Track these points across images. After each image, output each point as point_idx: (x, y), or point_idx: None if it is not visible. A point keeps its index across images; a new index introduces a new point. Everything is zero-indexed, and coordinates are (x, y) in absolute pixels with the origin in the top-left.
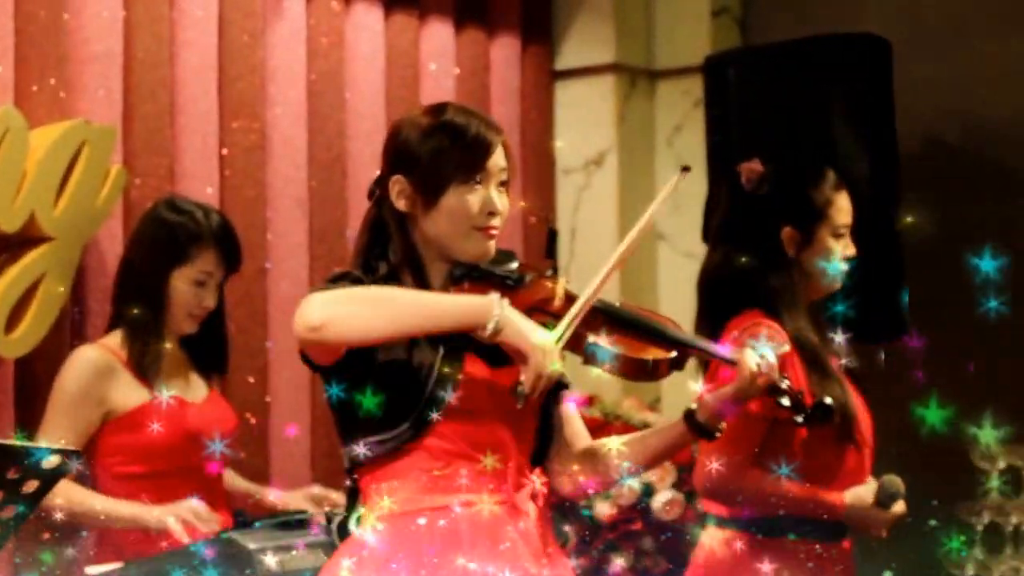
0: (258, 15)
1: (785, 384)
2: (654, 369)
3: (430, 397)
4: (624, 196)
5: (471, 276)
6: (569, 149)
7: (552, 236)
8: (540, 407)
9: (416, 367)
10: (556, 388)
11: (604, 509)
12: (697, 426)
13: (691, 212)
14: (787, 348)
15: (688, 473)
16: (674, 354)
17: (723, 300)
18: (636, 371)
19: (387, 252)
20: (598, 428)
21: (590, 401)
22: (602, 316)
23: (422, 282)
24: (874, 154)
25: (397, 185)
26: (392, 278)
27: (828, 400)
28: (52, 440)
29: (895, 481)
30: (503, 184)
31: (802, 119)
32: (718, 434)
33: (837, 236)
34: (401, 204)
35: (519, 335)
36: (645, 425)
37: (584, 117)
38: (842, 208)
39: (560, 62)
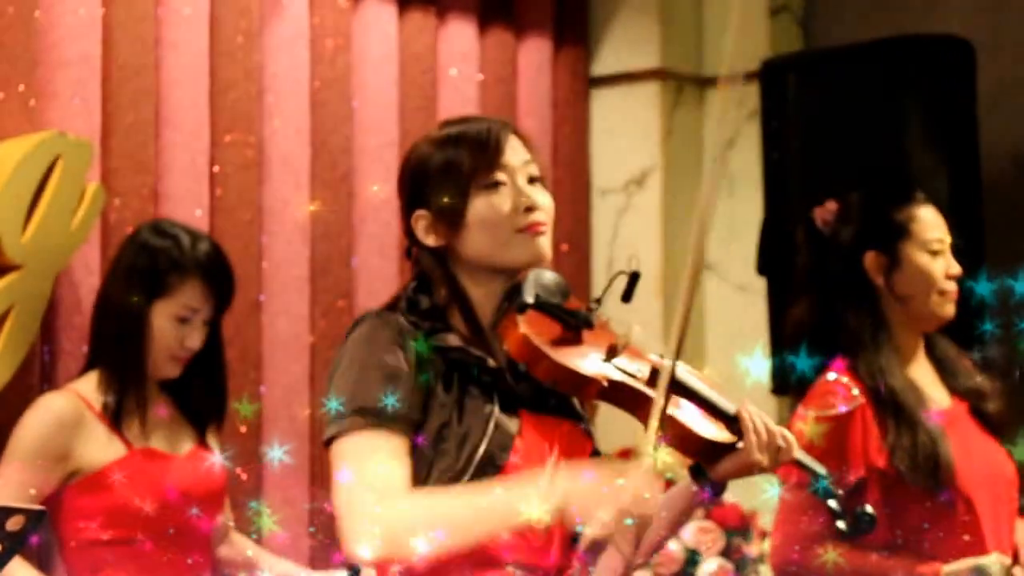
0: (254, 14)
1: (829, 482)
2: (719, 453)
3: (481, 464)
4: (669, 220)
5: (535, 306)
6: (607, 166)
7: (634, 279)
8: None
9: (466, 432)
10: None
11: None
12: (705, 479)
13: (744, 240)
14: (856, 404)
15: (738, 538)
16: (732, 439)
17: (814, 353)
18: (699, 451)
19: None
20: None
21: (629, 454)
22: (678, 389)
23: (472, 322)
24: (954, 173)
25: (420, 221)
26: (437, 315)
27: (868, 509)
28: None
29: (990, 569)
30: (534, 180)
31: (872, 133)
32: (725, 488)
33: (931, 252)
34: (431, 240)
35: (596, 529)
36: None
37: (624, 130)
38: (928, 222)
39: (597, 67)
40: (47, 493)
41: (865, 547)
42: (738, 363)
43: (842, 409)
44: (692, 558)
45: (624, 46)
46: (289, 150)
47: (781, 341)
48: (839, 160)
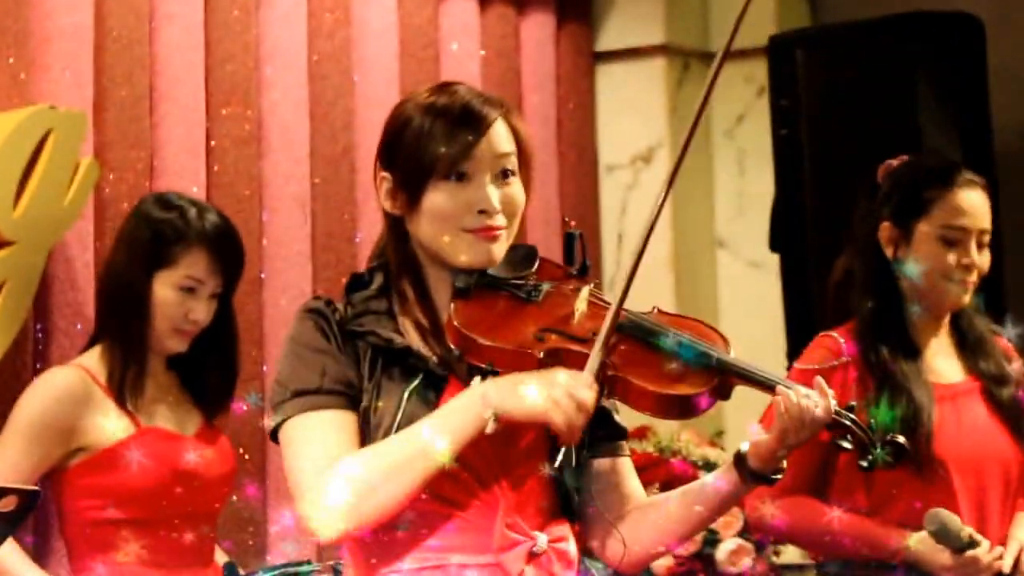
0: None
1: (848, 420)
2: (691, 406)
3: None
4: (678, 197)
5: (478, 286)
6: (613, 143)
7: (570, 240)
8: (551, 448)
9: (382, 414)
10: (611, 438)
11: (660, 560)
12: (749, 471)
13: (756, 216)
14: (838, 361)
15: None
16: (715, 383)
17: (839, 308)
18: (668, 408)
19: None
20: (653, 464)
21: (643, 434)
22: (628, 338)
23: (423, 296)
24: (966, 150)
25: (384, 183)
26: (385, 292)
27: (901, 439)
28: None
29: (937, 515)
30: (507, 173)
31: (882, 109)
32: (777, 477)
33: (945, 239)
34: (388, 205)
35: (524, 411)
36: (705, 461)
37: (630, 106)
38: (956, 207)
39: (602, 43)
40: (47, 468)
41: (839, 507)
42: (752, 340)
43: (834, 363)
44: (711, 538)
45: (629, 21)
46: (288, 124)
47: (795, 317)
48: (849, 136)
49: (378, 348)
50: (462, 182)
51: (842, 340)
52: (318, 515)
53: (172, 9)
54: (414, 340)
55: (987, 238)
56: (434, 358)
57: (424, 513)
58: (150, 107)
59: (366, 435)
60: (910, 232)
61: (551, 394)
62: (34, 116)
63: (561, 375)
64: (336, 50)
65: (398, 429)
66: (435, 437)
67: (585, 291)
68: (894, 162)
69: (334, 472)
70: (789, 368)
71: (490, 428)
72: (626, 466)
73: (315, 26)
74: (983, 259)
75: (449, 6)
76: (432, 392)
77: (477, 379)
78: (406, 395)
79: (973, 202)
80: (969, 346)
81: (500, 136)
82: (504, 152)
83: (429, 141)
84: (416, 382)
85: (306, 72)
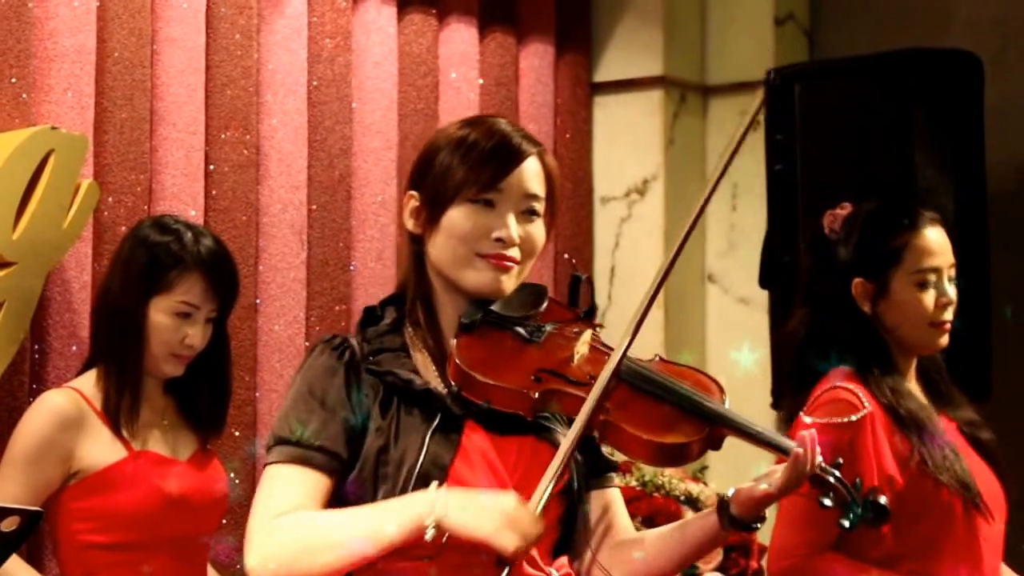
0: (253, 11)
1: (832, 477)
2: (681, 454)
3: (417, 485)
4: (672, 230)
5: (482, 323)
6: (609, 174)
7: (576, 283)
8: (566, 484)
9: (402, 454)
10: (600, 470)
11: None
12: (731, 519)
13: (746, 252)
14: (864, 412)
15: (738, 553)
16: (706, 433)
17: (808, 365)
18: (657, 456)
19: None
20: (636, 499)
21: (627, 468)
22: (625, 384)
23: (432, 323)
24: (961, 188)
25: (411, 201)
26: (398, 327)
27: (883, 499)
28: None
29: None
30: (531, 213)
31: (878, 146)
32: (758, 526)
33: (921, 283)
34: (411, 224)
35: (468, 528)
36: (688, 496)
37: (626, 137)
38: (925, 248)
39: (600, 74)
40: (47, 494)
41: (864, 559)
42: (738, 376)
43: (852, 418)
44: (690, 572)
45: (627, 53)
46: (286, 150)
47: (781, 355)
48: (843, 173)
49: (395, 387)
50: (486, 208)
51: (857, 390)
52: (256, 564)
53: (173, 33)
54: (431, 378)
55: (954, 271)
56: (451, 399)
57: (453, 545)
58: (150, 130)
59: (383, 475)
60: (885, 284)
61: (498, 521)
62: (36, 137)
63: (512, 502)
64: (336, 76)
65: (421, 469)
66: (380, 526)
67: (587, 334)
68: (841, 212)
69: (280, 526)
70: (791, 418)
71: (429, 535)
72: (614, 497)
73: (315, 52)
74: (953, 293)
75: (448, 34)
76: (454, 433)
77: (435, 484)
78: (428, 436)
79: (939, 239)
80: (936, 390)
81: (532, 174)
82: (533, 192)
83: (463, 163)
84: (436, 422)
85: (305, 98)
